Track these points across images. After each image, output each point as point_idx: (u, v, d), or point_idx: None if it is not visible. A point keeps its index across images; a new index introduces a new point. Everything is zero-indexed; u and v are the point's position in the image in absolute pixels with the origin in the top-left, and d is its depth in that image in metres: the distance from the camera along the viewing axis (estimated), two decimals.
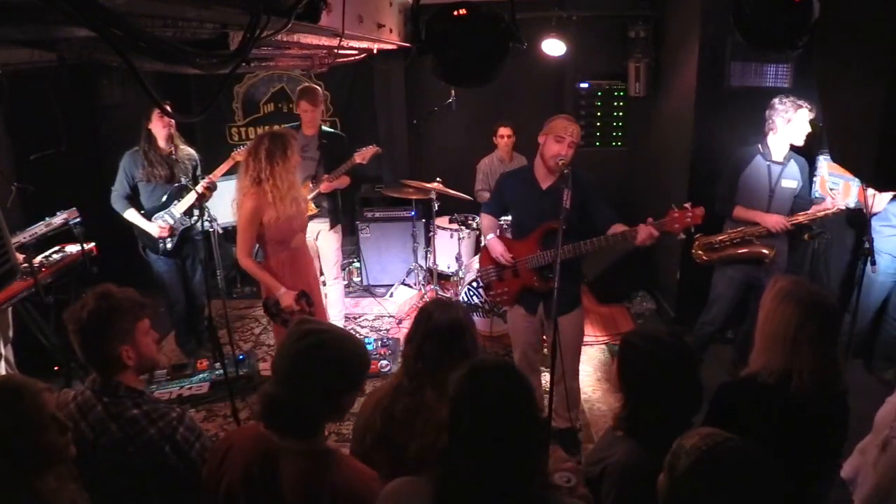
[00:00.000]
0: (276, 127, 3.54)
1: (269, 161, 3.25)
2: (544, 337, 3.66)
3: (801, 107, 3.65)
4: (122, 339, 1.91)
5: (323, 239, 4.80)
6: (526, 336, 3.53)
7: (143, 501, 1.88)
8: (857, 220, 4.09)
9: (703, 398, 1.84)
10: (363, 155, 4.74)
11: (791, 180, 3.78)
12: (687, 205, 3.00)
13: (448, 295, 5.42)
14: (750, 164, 3.80)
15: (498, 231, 3.68)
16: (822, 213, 3.73)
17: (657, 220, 2.99)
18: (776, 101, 3.73)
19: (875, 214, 3.79)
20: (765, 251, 3.75)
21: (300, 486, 1.54)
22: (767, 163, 3.78)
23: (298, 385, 1.57)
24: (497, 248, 3.41)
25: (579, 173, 3.27)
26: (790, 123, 3.67)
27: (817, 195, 4.18)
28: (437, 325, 1.99)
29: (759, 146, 3.81)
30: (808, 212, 3.76)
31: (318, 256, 4.94)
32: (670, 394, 1.76)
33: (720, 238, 3.88)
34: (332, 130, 4.90)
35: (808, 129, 3.70)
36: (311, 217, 4.72)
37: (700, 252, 3.95)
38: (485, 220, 3.65)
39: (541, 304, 3.42)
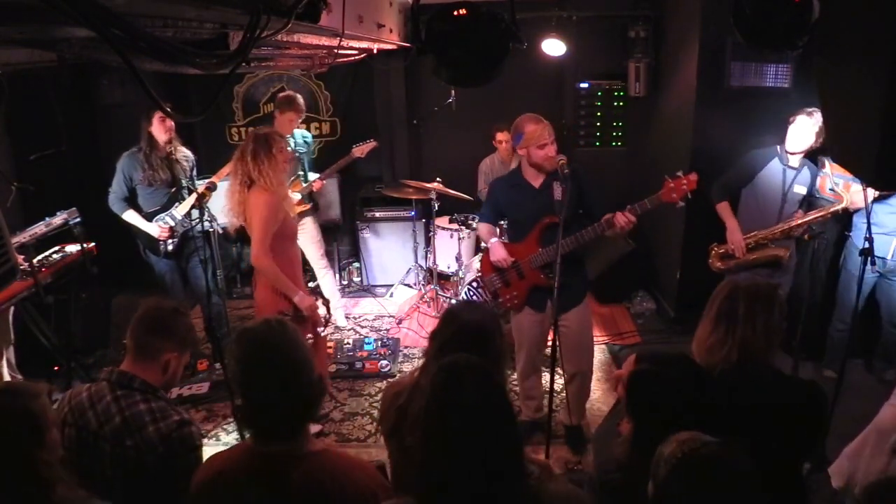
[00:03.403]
0: (259, 128, 3.53)
1: (255, 161, 3.23)
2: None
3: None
4: (176, 347, 1.99)
5: (305, 229, 4.83)
6: (532, 335, 3.50)
7: (132, 496, 1.87)
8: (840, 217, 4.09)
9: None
10: (362, 149, 4.82)
11: (802, 186, 3.80)
12: (679, 172, 2.99)
13: (448, 294, 5.42)
14: (767, 166, 3.80)
15: (499, 236, 3.66)
16: (829, 212, 3.71)
17: (654, 194, 2.99)
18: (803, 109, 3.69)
19: (857, 211, 3.80)
20: (780, 253, 3.75)
21: (311, 488, 1.54)
22: (783, 167, 3.78)
23: (270, 383, 1.58)
24: (498, 253, 3.39)
25: (572, 167, 3.28)
26: (790, 126, 3.69)
27: (817, 194, 4.17)
28: (463, 325, 1.98)
29: (778, 148, 3.81)
30: (809, 216, 3.73)
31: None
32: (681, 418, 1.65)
33: None
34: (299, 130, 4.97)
35: (807, 138, 3.67)
36: (303, 214, 4.82)
37: (716, 262, 3.92)
38: (482, 228, 3.65)
39: (548, 302, 3.37)
